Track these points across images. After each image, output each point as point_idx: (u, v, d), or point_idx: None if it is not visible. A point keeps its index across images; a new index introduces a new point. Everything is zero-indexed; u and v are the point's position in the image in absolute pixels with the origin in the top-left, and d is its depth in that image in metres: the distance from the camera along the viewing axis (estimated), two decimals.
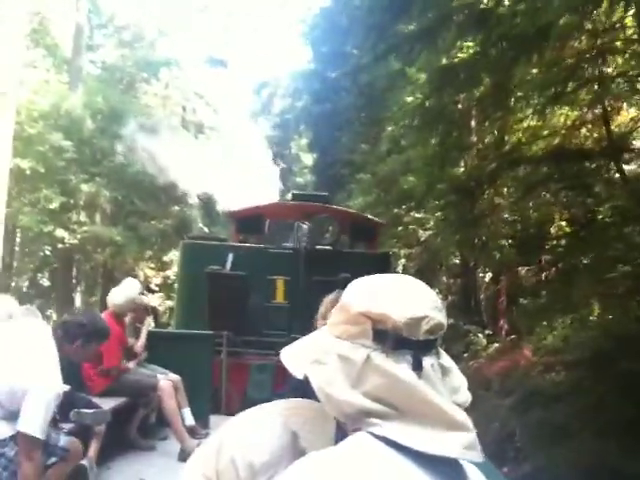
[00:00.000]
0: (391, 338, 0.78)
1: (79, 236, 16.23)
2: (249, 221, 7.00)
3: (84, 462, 3.41)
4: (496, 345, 10.57)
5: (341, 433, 0.82)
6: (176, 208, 18.95)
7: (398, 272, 13.29)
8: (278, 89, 32.31)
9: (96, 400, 3.78)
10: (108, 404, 3.91)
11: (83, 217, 16.86)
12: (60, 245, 16.36)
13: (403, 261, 13.52)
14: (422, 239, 13.32)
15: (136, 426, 4.49)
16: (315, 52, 23.47)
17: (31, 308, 3.07)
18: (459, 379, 0.84)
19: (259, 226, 6.76)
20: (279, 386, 4.96)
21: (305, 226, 6.21)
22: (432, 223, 12.96)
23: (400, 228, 13.43)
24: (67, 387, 2.85)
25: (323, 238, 6.10)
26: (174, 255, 22.75)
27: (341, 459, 0.73)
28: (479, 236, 9.89)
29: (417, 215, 13.05)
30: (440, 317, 0.81)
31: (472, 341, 11.17)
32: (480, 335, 11.15)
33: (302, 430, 0.92)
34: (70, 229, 16.22)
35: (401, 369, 0.76)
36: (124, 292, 4.64)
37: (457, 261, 14.43)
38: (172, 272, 22.45)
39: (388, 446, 0.73)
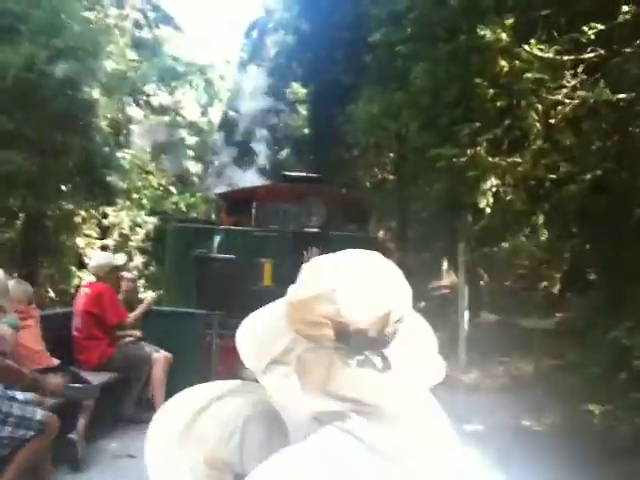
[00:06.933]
0: (355, 342, 0.71)
1: None
2: (240, 203, 7.18)
3: (73, 436, 3.65)
4: None
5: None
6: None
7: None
8: (269, 24, 26.82)
9: (87, 375, 3.89)
10: (98, 379, 4.05)
11: None
12: None
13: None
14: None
15: (134, 401, 4.76)
16: None
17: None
18: (424, 353, 0.76)
19: (250, 208, 6.90)
20: None
21: (293, 208, 6.60)
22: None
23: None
24: (57, 361, 3.42)
25: (311, 220, 6.10)
26: (115, 217, 16.73)
27: (301, 458, 0.70)
28: None
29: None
30: (408, 301, 0.75)
31: None
32: None
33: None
34: None
35: (368, 373, 0.71)
36: (97, 257, 5.47)
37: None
38: (113, 241, 16.66)
39: (356, 441, 0.70)
